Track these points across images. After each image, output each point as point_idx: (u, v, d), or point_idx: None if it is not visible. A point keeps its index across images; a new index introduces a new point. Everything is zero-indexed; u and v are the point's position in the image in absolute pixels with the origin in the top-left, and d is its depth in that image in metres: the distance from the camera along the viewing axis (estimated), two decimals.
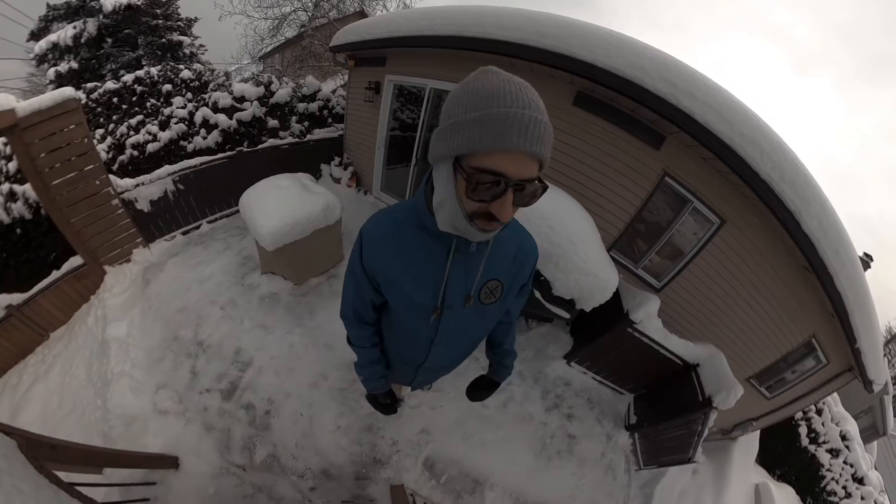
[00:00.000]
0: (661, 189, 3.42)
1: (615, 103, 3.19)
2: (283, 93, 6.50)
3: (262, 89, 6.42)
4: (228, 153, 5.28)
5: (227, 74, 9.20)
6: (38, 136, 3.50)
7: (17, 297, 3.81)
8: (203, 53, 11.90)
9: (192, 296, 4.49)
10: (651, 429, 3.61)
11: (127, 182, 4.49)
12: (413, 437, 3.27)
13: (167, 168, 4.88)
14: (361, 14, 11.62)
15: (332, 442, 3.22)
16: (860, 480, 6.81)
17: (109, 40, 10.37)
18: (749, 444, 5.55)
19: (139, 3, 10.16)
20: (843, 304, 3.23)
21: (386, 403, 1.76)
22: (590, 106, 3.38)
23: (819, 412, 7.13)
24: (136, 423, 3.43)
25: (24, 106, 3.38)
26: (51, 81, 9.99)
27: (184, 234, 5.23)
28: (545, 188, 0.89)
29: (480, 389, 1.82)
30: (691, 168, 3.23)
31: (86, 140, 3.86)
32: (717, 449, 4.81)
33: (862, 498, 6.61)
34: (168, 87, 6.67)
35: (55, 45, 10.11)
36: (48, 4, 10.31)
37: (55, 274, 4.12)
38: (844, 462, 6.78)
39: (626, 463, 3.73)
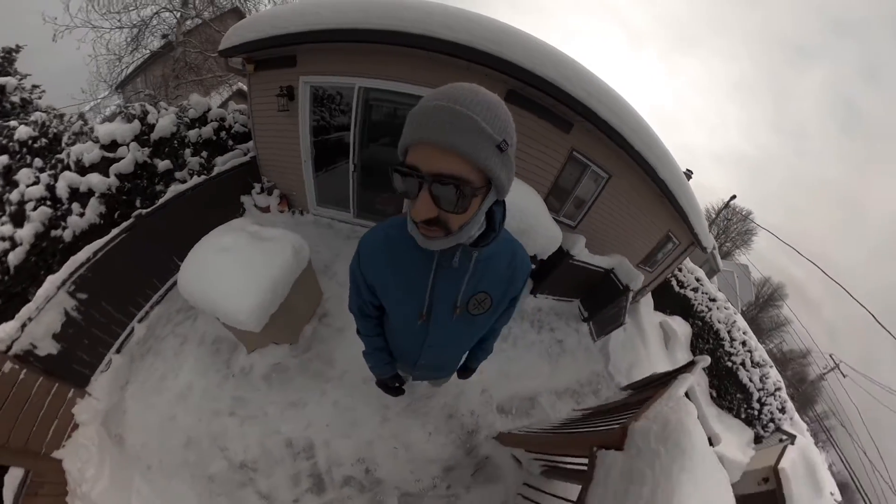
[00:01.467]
0: (571, 160, 3.81)
1: (540, 100, 3.27)
2: (165, 123, 4.26)
3: (136, 125, 4.11)
4: (124, 225, 3.27)
5: (83, 116, 5.77)
6: None
7: None
8: (40, 97, 6.70)
9: (184, 422, 2.91)
10: (598, 315, 4.51)
11: (7, 331, 2.50)
12: (479, 399, 3.26)
13: (51, 280, 2.78)
14: (236, 12, 7.36)
15: (433, 446, 2.91)
16: (713, 300, 8.39)
17: None
18: (647, 301, 6.73)
19: None
20: (670, 190, 4.13)
21: (394, 387, 1.56)
22: (519, 101, 3.31)
23: (680, 270, 8.64)
24: None
25: None
26: None
27: (118, 352, 3.25)
28: (472, 191, 0.67)
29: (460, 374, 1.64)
30: (589, 144, 3.66)
31: None
32: (632, 311, 5.74)
33: (718, 308, 8.17)
34: (3, 158, 4.01)
35: None
36: None
37: None
38: (702, 293, 8.35)
39: (590, 341, 4.55)
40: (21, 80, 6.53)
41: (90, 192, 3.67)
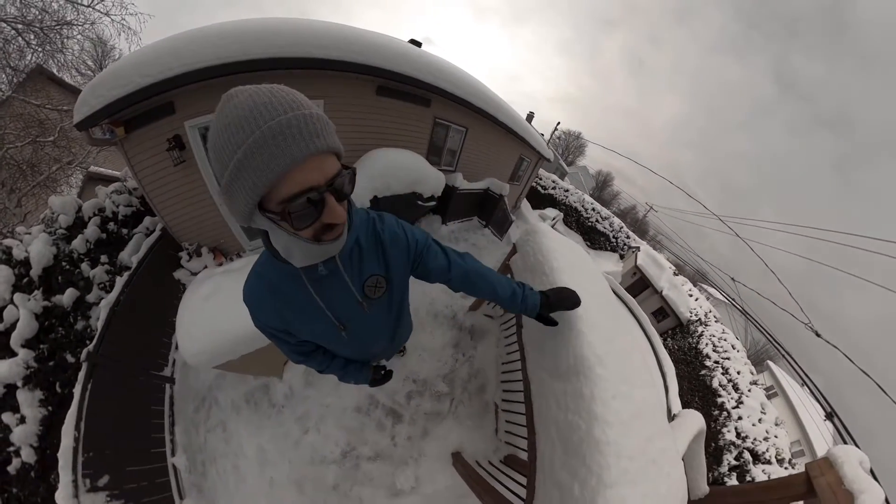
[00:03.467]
0: (436, 125, 4.52)
1: (402, 89, 3.85)
2: (38, 249, 3.04)
3: (5, 270, 2.86)
4: (81, 377, 2.42)
5: None
6: None
7: None
8: None
9: (281, 475, 2.69)
10: (491, 220, 5.71)
11: None
12: (445, 296, 3.89)
13: (62, 496, 2.00)
14: (41, 72, 5.07)
15: (439, 338, 3.50)
16: (567, 191, 11.13)
17: None
18: (525, 205, 8.96)
19: None
20: (510, 128, 5.43)
21: (381, 377, 1.32)
22: (388, 93, 3.85)
23: (540, 179, 11.26)
24: (430, 501, 2.52)
25: None
26: None
27: (181, 497, 2.67)
28: (353, 171, 0.63)
29: (547, 322, 1.35)
30: (445, 110, 4.39)
31: None
32: (519, 214, 7.73)
33: (572, 195, 10.96)
34: None
35: None
36: None
37: None
38: (560, 189, 11.12)
39: (496, 239, 5.76)
40: None
41: (11, 388, 2.59)
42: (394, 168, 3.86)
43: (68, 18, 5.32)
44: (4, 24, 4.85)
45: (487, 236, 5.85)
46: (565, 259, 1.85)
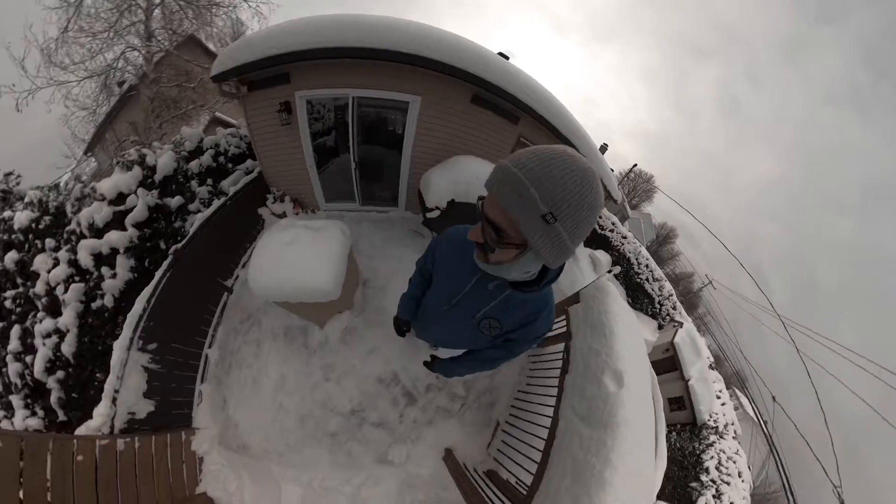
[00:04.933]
0: (518, 143, 4.32)
1: (496, 102, 3.80)
2: (165, 161, 3.72)
3: (137, 171, 3.51)
4: (165, 265, 2.88)
5: (80, 178, 4.44)
6: None
7: None
8: (18, 183, 5.24)
9: (291, 405, 2.95)
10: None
11: (103, 412, 2.21)
12: None
13: (119, 345, 2.37)
14: (194, 41, 6.27)
15: None
16: (625, 237, 8.91)
17: None
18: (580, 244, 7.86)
19: None
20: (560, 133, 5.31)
21: (401, 328, 1.65)
22: (482, 103, 3.83)
23: (600, 217, 8.65)
24: (409, 481, 2.59)
25: None
26: None
27: (203, 381, 3.04)
28: (506, 242, 0.70)
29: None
30: (531, 131, 4.20)
31: None
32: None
33: (628, 243, 8.90)
34: (12, 255, 3.21)
35: None
36: None
37: None
38: (617, 233, 8.82)
39: None
40: None
41: (114, 252, 3.25)
42: (477, 179, 3.80)
43: (217, 1, 6.65)
44: (171, 1, 6.22)
45: None
46: (626, 329, 2.06)
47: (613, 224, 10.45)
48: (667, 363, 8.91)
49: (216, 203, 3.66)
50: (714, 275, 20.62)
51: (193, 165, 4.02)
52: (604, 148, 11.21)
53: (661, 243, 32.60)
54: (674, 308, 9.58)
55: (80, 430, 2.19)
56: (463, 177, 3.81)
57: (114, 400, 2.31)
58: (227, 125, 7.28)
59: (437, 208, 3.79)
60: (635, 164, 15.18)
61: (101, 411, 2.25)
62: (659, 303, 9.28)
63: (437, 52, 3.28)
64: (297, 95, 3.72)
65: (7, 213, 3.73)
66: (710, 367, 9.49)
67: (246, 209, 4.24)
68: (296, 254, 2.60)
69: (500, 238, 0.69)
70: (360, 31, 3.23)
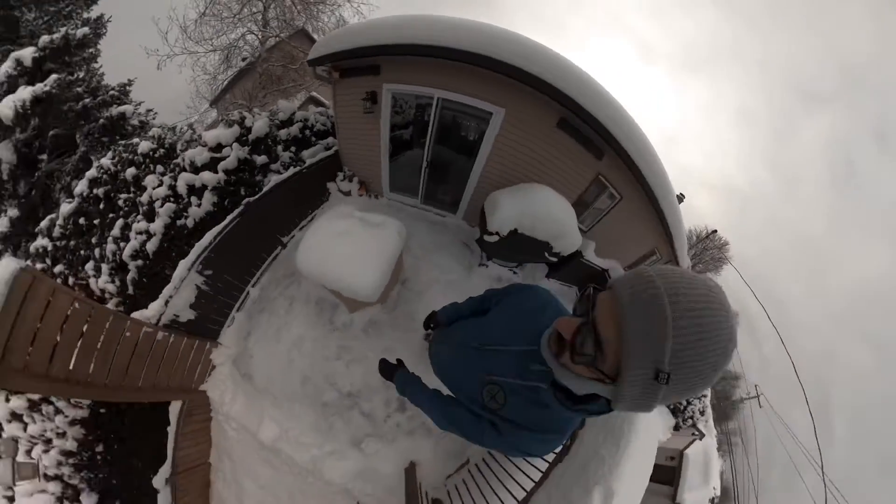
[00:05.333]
0: (595, 181, 3.95)
1: (583, 130, 3.43)
2: (260, 125, 4.32)
3: (236, 129, 4.22)
4: (237, 211, 3.43)
5: (192, 127, 5.59)
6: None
7: (165, 469, 2.82)
8: (154, 117, 6.86)
9: (300, 364, 3.21)
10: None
11: (156, 308, 2.85)
12: None
13: (183, 264, 3.00)
14: (303, 32, 7.17)
15: None
16: None
17: (44, 157, 5.33)
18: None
19: (48, 89, 5.17)
20: (665, 218, 4.13)
21: (429, 324, 1.67)
22: (567, 128, 3.45)
23: None
24: (367, 472, 2.72)
25: None
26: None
27: (238, 310, 3.52)
28: (592, 363, 0.58)
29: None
30: (613, 171, 3.77)
31: (76, 305, 2.05)
32: None
33: None
34: (132, 170, 4.00)
35: None
36: None
37: (171, 429, 2.92)
38: None
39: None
40: (137, 106, 6.64)
41: (204, 187, 3.93)
42: (548, 216, 3.50)
43: None
44: None
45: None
46: (641, 450, 2.06)
47: None
48: (664, 474, 7.18)
49: (293, 169, 4.09)
50: (765, 388, 16.20)
51: (282, 133, 4.57)
52: (681, 198, 9.55)
53: None
54: (702, 413, 7.80)
55: (135, 315, 2.74)
56: (533, 209, 3.49)
57: (166, 302, 2.88)
58: (319, 104, 8.22)
59: (498, 234, 3.54)
60: (715, 231, 12.46)
61: (154, 306, 2.84)
62: (688, 402, 7.38)
63: (534, 65, 3.00)
64: (385, 87, 3.76)
65: (135, 140, 4.63)
66: (713, 500, 7.64)
67: (317, 180, 4.59)
68: (346, 247, 2.63)
69: (594, 356, 0.55)
70: (457, 32, 3.08)
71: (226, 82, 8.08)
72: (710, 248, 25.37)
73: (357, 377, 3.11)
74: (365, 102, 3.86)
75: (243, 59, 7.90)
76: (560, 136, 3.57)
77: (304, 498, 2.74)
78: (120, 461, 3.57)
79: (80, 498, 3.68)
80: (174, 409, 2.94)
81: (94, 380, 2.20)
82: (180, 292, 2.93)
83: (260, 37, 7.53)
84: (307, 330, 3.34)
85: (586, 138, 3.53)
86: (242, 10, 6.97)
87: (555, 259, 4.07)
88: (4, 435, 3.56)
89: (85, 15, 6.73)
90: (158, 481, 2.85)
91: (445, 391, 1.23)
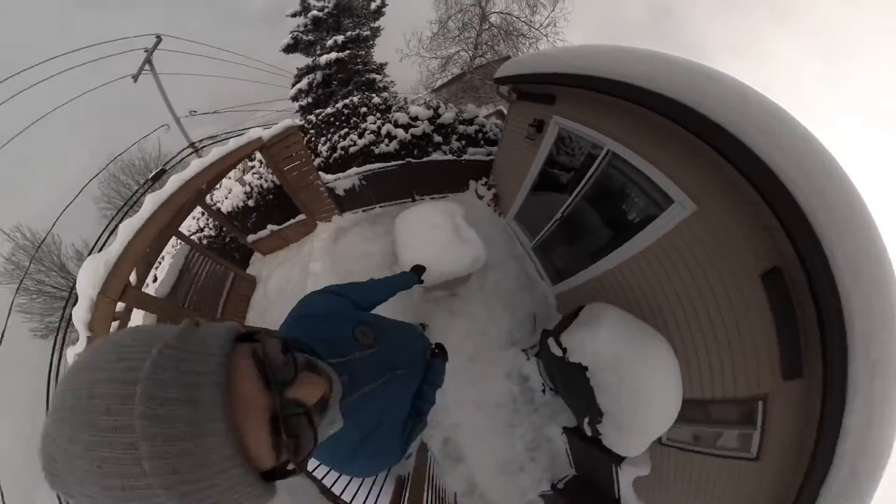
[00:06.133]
0: (749, 402, 1.76)
1: (800, 321, 1.69)
2: (447, 115, 5.60)
3: (431, 112, 5.64)
4: (399, 162, 4.77)
5: (406, 100, 8.38)
6: (276, 151, 3.78)
7: (274, 227, 4.61)
8: (392, 86, 11.44)
9: (357, 266, 4.15)
10: None
11: (328, 177, 4.52)
12: None
13: (354, 169, 4.62)
14: (507, 58, 8.88)
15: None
16: None
17: (334, 82, 10.40)
18: None
19: (343, 56, 10.13)
20: None
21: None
22: (775, 292, 1.74)
23: None
24: None
25: (266, 133, 3.60)
26: (297, 111, 10.72)
27: (364, 211, 5.00)
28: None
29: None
30: (789, 399, 1.57)
31: (302, 152, 4.04)
32: None
33: None
34: (364, 109, 6.07)
35: (300, 91, 10.75)
36: (297, 68, 10.86)
37: (291, 221, 4.67)
38: None
39: None
40: (383, 78, 10.96)
41: (395, 137, 5.36)
42: (637, 395, 2.19)
43: (524, 32, 9.81)
44: (494, 29, 9.98)
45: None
46: None
47: None
48: None
49: (452, 157, 5.14)
50: None
51: (461, 128, 5.51)
52: None
53: None
54: None
55: (320, 173, 4.34)
56: (630, 372, 2.25)
57: (336, 178, 4.44)
58: (502, 119, 9.48)
59: (565, 352, 2.57)
60: None
61: (329, 176, 4.37)
62: None
63: (771, 153, 1.61)
64: (555, 120, 3.32)
65: (374, 95, 6.58)
66: None
67: (465, 174, 5.24)
68: (427, 236, 2.98)
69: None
70: (653, 68, 2.05)
71: (438, 82, 11.00)
72: None
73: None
74: (530, 128, 3.72)
75: (462, 72, 10.53)
76: (755, 295, 1.96)
77: None
78: None
79: None
80: (299, 218, 4.46)
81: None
82: (344, 181, 4.50)
83: (470, 56, 10.25)
84: (378, 255, 4.15)
85: (794, 332, 1.79)
86: (461, 34, 10.03)
87: (589, 433, 2.62)
88: None
89: (372, 24, 11.16)
90: None
91: None
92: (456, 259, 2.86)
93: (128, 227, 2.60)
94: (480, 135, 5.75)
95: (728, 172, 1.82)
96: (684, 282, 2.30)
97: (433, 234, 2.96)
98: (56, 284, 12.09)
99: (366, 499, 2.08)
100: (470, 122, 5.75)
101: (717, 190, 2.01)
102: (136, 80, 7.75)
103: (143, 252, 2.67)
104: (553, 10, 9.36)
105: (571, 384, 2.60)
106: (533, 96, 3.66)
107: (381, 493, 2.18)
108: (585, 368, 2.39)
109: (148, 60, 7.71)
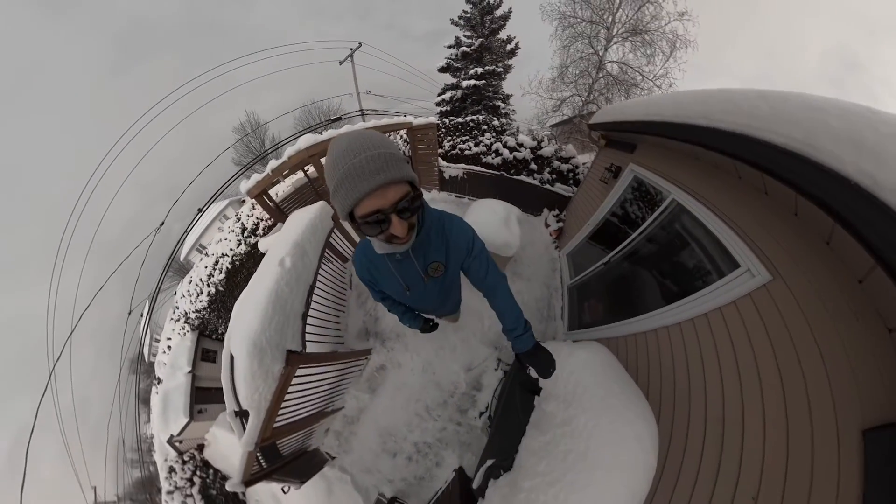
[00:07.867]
0: None
1: None
2: (547, 149, 6.39)
3: (535, 143, 6.57)
4: (496, 172, 5.88)
5: (518, 128, 9.71)
6: (417, 134, 5.30)
7: None
8: (512, 114, 13.56)
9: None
10: None
11: (443, 163, 5.91)
12: None
13: (463, 165, 5.98)
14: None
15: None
16: None
17: (469, 101, 12.90)
18: None
19: (480, 84, 12.47)
20: None
21: (428, 327, 1.67)
22: (876, 453, 1.11)
23: None
24: None
25: (415, 121, 5.16)
26: (436, 113, 13.21)
27: (455, 196, 6.16)
28: (418, 194, 0.79)
29: (531, 368, 1.31)
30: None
31: (433, 141, 5.45)
32: None
33: None
34: (484, 127, 7.63)
35: (443, 100, 13.42)
36: (445, 84, 13.46)
37: None
38: None
39: None
40: (506, 106, 13.37)
41: (500, 153, 6.65)
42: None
43: (636, 82, 9.99)
44: (610, 77, 10.27)
45: None
46: None
47: None
48: None
49: (536, 182, 5.69)
50: None
51: (556, 164, 5.89)
52: None
53: None
54: None
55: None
56: (583, 430, 1.67)
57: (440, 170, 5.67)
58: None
59: (533, 394, 2.05)
60: None
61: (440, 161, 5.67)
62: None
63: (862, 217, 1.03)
64: (631, 167, 3.15)
65: (495, 119, 7.84)
66: None
67: (542, 201, 5.57)
68: (486, 214, 3.77)
69: (414, 202, 0.77)
70: (708, 106, 1.72)
71: (551, 120, 11.68)
72: None
73: (450, 372, 3.14)
74: (606, 172, 3.69)
75: (576, 115, 11.21)
76: (846, 446, 1.21)
77: None
78: None
79: None
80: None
81: None
82: (451, 171, 5.69)
83: (583, 101, 10.75)
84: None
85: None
86: (576, 81, 10.61)
87: (476, 483, 1.94)
88: None
89: (505, 62, 13.23)
90: None
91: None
92: (494, 234, 3.56)
93: (295, 147, 3.93)
94: (571, 174, 5.96)
95: (821, 245, 1.26)
96: (737, 381, 1.54)
97: (490, 215, 3.82)
98: (256, 152, 20.87)
99: None
100: (566, 160, 6.14)
101: (805, 264, 1.37)
102: (341, 64, 12.00)
103: (300, 161, 3.96)
104: (669, 58, 9.21)
105: (510, 408, 2.12)
106: (619, 144, 3.59)
107: None
108: (538, 389, 1.95)
109: (351, 55, 11.83)
